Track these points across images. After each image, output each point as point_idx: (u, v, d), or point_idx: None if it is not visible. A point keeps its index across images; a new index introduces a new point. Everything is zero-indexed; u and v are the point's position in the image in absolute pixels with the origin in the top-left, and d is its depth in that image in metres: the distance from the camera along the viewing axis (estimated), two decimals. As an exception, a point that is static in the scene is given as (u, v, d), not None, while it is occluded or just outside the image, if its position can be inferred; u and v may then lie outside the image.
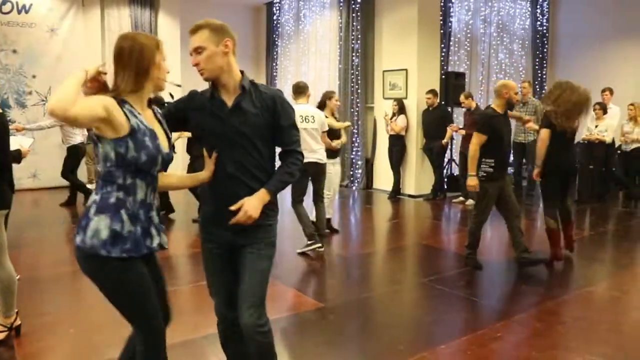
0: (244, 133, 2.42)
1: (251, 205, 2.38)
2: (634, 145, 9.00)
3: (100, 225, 2.10)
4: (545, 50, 12.23)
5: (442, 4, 9.93)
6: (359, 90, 10.58)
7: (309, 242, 5.82)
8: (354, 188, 10.72)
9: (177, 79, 10.75)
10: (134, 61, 2.18)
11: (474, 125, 8.74)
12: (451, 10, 10.26)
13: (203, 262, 2.65)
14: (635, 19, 10.58)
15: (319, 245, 5.84)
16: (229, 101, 2.46)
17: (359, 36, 10.45)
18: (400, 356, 3.48)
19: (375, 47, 10.50)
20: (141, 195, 2.21)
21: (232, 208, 2.36)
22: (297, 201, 5.97)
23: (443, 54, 10.10)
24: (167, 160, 2.29)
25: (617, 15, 10.94)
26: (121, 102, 2.15)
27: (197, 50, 2.41)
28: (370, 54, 10.55)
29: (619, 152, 9.29)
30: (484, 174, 5.25)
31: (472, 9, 10.98)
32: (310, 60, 11.97)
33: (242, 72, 2.51)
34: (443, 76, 9.95)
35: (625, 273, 5.44)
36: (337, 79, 11.03)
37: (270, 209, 2.52)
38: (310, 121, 5.88)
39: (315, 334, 3.92)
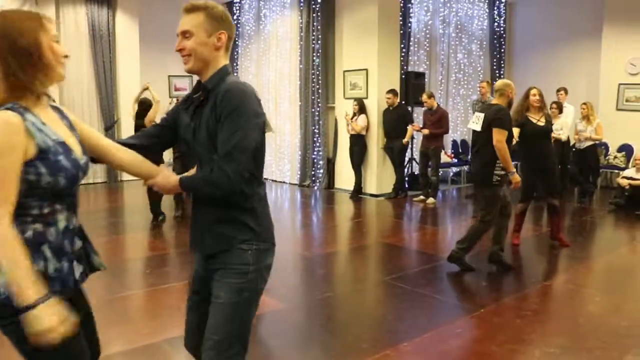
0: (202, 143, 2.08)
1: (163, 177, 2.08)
2: (587, 143, 9.26)
3: None
4: (502, 50, 12.47)
5: (401, 4, 10.02)
6: (319, 90, 10.59)
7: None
8: (315, 188, 10.72)
9: (136, 81, 10.60)
10: (8, 48, 1.65)
11: (436, 124, 8.92)
12: (411, 10, 10.36)
13: None
14: (586, 21, 10.89)
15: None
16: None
17: (320, 36, 10.45)
18: (363, 355, 3.48)
19: (336, 47, 10.53)
20: (63, 223, 1.78)
21: (146, 183, 2.12)
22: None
23: (403, 54, 10.19)
24: (86, 171, 1.87)
25: (570, 18, 11.24)
26: (21, 112, 1.66)
27: (185, 34, 2.04)
28: (331, 54, 10.57)
29: (573, 149, 9.53)
30: (498, 178, 5.14)
31: (431, 9, 11.12)
32: (271, 61, 11.93)
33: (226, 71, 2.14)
34: (403, 76, 10.04)
35: (581, 266, 5.58)
36: (297, 79, 11.01)
37: (237, 229, 2.09)
38: None
39: (278, 335, 3.89)
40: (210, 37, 2.03)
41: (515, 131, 5.67)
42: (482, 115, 5.21)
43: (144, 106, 7.42)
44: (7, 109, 1.64)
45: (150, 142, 2.23)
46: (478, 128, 5.19)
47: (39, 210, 1.71)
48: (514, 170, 5.15)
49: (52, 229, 1.74)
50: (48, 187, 1.70)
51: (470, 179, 5.65)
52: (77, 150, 1.81)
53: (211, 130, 2.00)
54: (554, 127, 9.12)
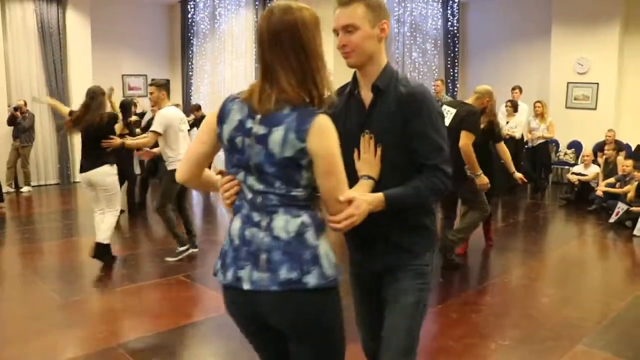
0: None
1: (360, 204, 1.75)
2: (540, 141, 9.50)
3: None
4: (456, 49, 12.65)
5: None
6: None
7: (181, 249, 5.63)
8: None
9: (88, 80, 10.34)
10: None
11: None
12: (366, 10, 10.42)
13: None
14: (537, 21, 11.15)
15: (195, 248, 5.75)
16: (367, 99, 2.00)
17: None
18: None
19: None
20: None
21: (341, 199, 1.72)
22: (166, 207, 5.52)
23: (359, 53, 10.24)
24: None
25: (521, 18, 11.49)
26: None
27: (347, 29, 1.90)
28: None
29: (526, 147, 9.75)
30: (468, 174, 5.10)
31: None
32: (227, 59, 11.83)
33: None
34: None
35: (534, 261, 5.72)
36: (253, 77, 10.95)
37: (421, 235, 2.05)
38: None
39: (240, 335, 3.86)
40: (374, 28, 1.91)
41: None
42: (452, 110, 5.06)
43: (124, 109, 7.28)
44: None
45: None
46: (446, 123, 5.07)
47: None
48: (481, 171, 5.02)
49: None
50: None
51: None
52: None
53: (400, 132, 1.91)
54: (508, 125, 9.34)
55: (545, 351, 3.55)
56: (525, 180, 6.13)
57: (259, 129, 1.66)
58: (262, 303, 1.70)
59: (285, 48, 1.68)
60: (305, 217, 1.70)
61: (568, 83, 10.47)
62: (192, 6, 12.31)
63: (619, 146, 9.05)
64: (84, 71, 10.64)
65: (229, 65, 11.79)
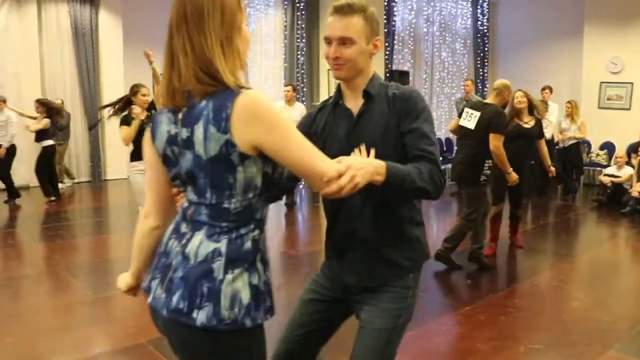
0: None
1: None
2: (571, 142, 9.35)
3: None
4: (486, 49, 12.54)
5: (385, 3, 10.05)
6: (304, 89, 10.60)
7: None
8: (300, 186, 10.71)
9: (120, 79, 10.50)
10: None
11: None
12: (395, 9, 10.39)
13: None
14: (568, 20, 10.98)
15: None
16: (355, 108, 1.92)
17: (304, 35, 10.46)
18: (349, 353, 3.48)
19: (321, 45, 10.52)
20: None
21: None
22: None
23: (387, 52, 10.22)
24: None
25: (552, 17, 11.33)
26: None
27: (344, 42, 1.80)
28: (316, 52, 10.58)
29: (557, 147, 9.61)
30: (485, 178, 5.10)
31: (415, 8, 11.16)
32: (256, 59, 11.90)
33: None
34: (387, 74, 10.06)
35: (565, 264, 5.63)
36: (282, 77, 11.00)
37: (412, 249, 1.94)
38: None
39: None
40: (368, 44, 1.84)
41: None
42: (476, 113, 5.06)
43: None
44: None
45: None
46: (471, 126, 5.06)
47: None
48: (511, 169, 5.14)
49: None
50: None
51: (455, 178, 5.51)
52: None
53: (394, 133, 1.83)
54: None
55: (576, 356, 3.49)
56: (555, 175, 6.38)
57: (183, 132, 1.47)
58: (160, 323, 1.55)
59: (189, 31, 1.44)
60: (222, 245, 1.45)
61: (601, 83, 10.30)
62: (221, 6, 12.42)
63: (654, 147, 8.86)
64: (115, 70, 10.81)
65: (258, 65, 11.85)
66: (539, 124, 5.75)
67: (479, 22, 12.37)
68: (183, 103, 1.46)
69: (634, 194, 7.92)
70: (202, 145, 1.41)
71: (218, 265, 1.43)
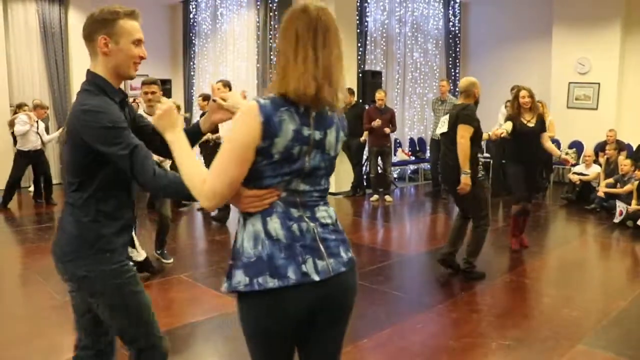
0: None
1: None
2: (540, 140, 9.49)
3: None
4: (457, 49, 12.67)
5: (358, 3, 10.08)
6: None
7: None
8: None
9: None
10: None
11: (390, 122, 8.97)
12: (367, 10, 10.43)
13: None
14: (538, 21, 11.16)
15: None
16: None
17: (277, 35, 10.42)
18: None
19: (294, 46, 10.50)
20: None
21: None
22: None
23: (360, 53, 10.26)
24: None
25: (522, 18, 11.51)
26: None
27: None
28: (289, 53, 10.55)
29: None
30: (483, 173, 5.06)
31: (387, 9, 11.22)
32: (228, 60, 11.85)
33: None
34: (360, 75, 10.10)
35: (535, 261, 5.72)
36: (255, 77, 10.97)
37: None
38: None
39: (241, 334, 3.87)
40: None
41: (508, 125, 5.70)
42: (445, 117, 5.13)
43: None
44: None
45: None
46: (445, 129, 5.05)
47: None
48: (469, 171, 4.83)
49: None
50: None
51: (449, 185, 5.37)
52: None
53: None
54: (504, 126, 9.30)
55: (546, 351, 3.56)
56: (570, 160, 6.64)
57: (316, 134, 1.73)
58: (329, 289, 1.78)
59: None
60: (333, 212, 1.87)
61: (569, 83, 10.49)
62: (194, 6, 12.34)
63: (620, 146, 9.05)
64: (85, 71, 10.64)
65: (230, 65, 11.80)
66: (540, 120, 5.84)
67: (451, 23, 12.50)
68: (319, 109, 1.73)
69: (600, 193, 8.10)
70: (333, 146, 1.79)
71: (339, 223, 1.86)
